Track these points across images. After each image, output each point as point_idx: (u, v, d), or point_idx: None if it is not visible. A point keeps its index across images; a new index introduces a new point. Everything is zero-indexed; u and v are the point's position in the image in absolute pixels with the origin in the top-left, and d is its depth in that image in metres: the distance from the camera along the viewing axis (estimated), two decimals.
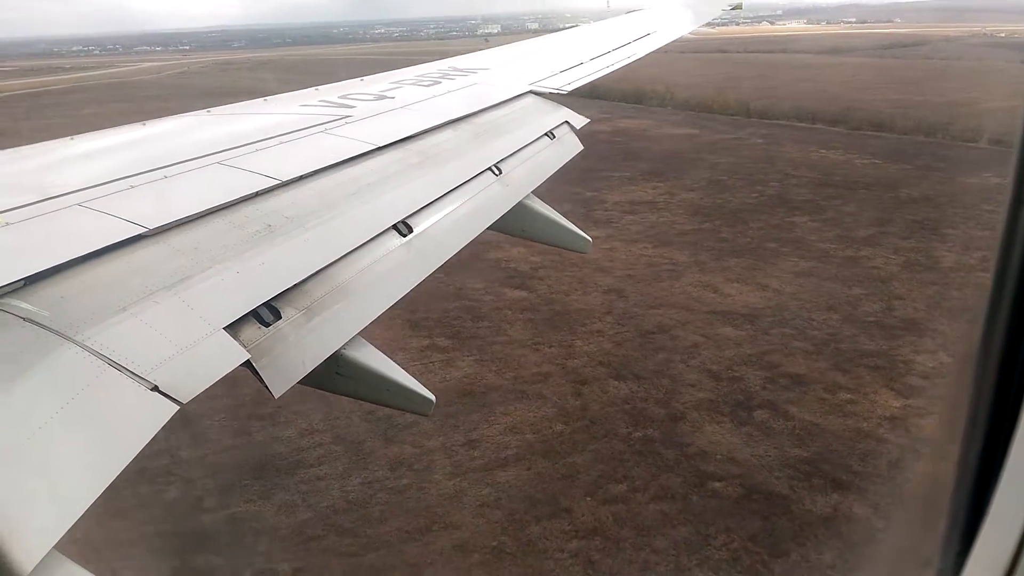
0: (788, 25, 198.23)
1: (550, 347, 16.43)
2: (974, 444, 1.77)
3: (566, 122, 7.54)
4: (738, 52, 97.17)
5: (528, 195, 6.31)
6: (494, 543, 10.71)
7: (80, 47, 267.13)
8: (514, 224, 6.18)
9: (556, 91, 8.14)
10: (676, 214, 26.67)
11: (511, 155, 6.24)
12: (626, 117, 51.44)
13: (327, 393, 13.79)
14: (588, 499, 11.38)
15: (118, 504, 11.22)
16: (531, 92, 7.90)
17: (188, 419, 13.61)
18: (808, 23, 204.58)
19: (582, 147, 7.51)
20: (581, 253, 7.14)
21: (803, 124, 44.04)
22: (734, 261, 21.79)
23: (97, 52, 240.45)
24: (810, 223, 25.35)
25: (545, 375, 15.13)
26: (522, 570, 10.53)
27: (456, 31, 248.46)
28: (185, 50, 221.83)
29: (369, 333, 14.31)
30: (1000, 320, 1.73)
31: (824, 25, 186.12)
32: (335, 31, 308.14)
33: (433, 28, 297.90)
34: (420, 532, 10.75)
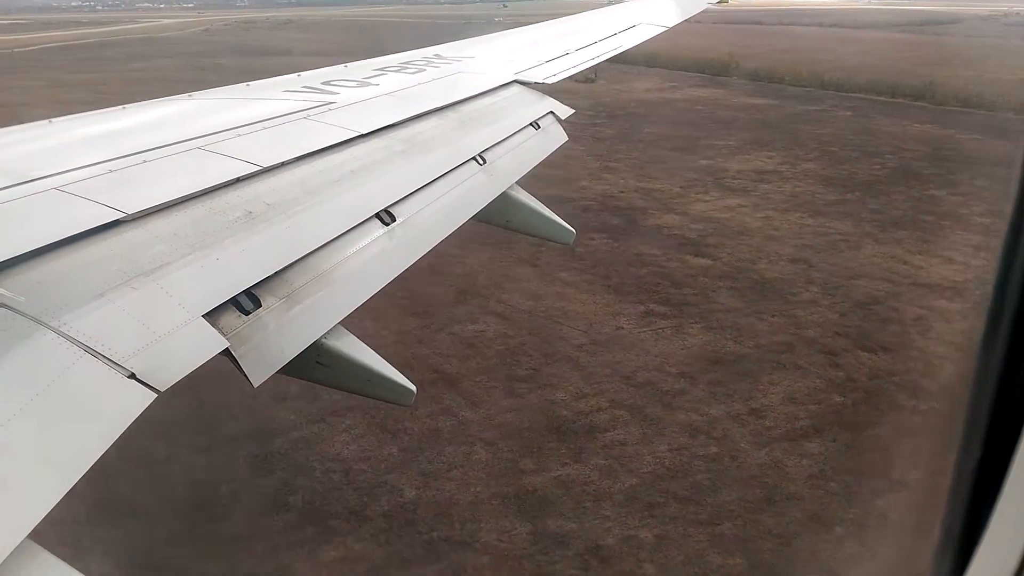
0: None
1: (772, 316, 15.37)
2: (972, 455, 1.62)
3: (551, 112, 7.03)
4: (774, 24, 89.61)
5: (512, 185, 5.83)
6: (848, 515, 9.65)
7: (79, 2, 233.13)
8: (498, 214, 5.76)
9: (542, 81, 7.61)
10: (809, 184, 24.83)
11: (496, 145, 5.85)
12: (695, 86, 46.89)
13: (582, 358, 12.07)
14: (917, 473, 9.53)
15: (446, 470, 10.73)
16: (516, 82, 7.40)
17: (451, 379, 13.19)
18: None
19: (567, 138, 6.90)
20: (564, 244, 6.58)
21: (883, 98, 40.63)
22: (902, 233, 20.31)
23: (100, 8, 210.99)
24: (951, 197, 23.65)
25: (788, 345, 14.17)
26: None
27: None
28: (189, 8, 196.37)
29: (574, 298, 14.76)
30: (1003, 328, 1.61)
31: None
32: None
33: None
34: (763, 503, 9.88)
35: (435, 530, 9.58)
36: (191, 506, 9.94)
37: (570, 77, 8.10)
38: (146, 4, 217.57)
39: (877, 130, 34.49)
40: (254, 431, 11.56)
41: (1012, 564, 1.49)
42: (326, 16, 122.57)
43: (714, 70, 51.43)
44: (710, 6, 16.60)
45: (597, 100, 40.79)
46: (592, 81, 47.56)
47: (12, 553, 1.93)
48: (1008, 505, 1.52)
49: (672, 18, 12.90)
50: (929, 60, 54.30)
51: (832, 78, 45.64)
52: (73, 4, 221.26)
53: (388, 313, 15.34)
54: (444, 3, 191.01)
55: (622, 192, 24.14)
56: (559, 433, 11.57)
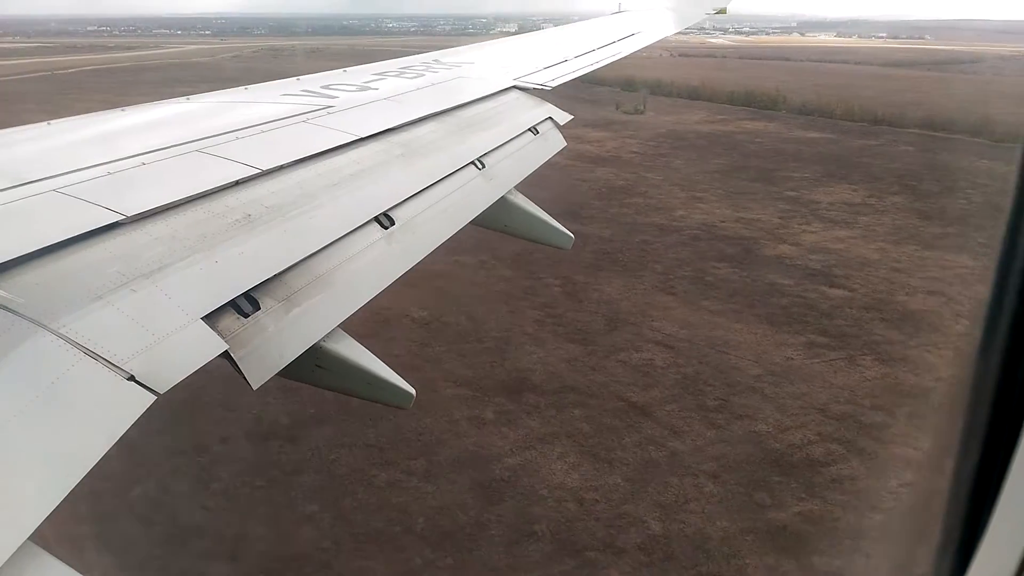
0: (819, 37, 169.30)
1: (939, 349, 14.25)
2: (971, 457, 1.59)
3: (550, 118, 6.75)
4: (801, 60, 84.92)
5: (511, 190, 5.52)
6: None
7: (95, 27, 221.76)
8: (497, 219, 5.46)
9: (541, 86, 7.33)
10: (906, 217, 23.18)
11: (494, 149, 5.60)
12: (745, 119, 43.86)
13: (766, 389, 11.79)
14: None
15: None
16: (515, 87, 7.14)
17: (641, 409, 12.84)
18: (839, 35, 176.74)
19: (565, 143, 6.60)
20: (562, 249, 6.28)
21: (939, 134, 38.70)
22: None
23: (118, 33, 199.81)
24: None
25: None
26: None
27: (471, 28, 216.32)
28: (206, 34, 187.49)
29: (729, 327, 15.90)
30: (1000, 329, 1.58)
31: (857, 39, 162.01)
32: (346, 23, 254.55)
33: (446, 24, 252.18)
34: None
35: (699, 565, 9.14)
36: (440, 535, 9.56)
37: (617, 108, 7.85)
38: (163, 30, 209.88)
39: (945, 165, 32.13)
40: (468, 457, 10.96)
41: (1012, 566, 1.45)
42: (350, 45, 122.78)
43: (761, 104, 47.71)
44: (708, 15, 16.11)
45: (654, 131, 40.09)
46: (641, 113, 47.23)
47: (13, 555, 1.84)
48: (1008, 507, 1.47)
49: (671, 27, 12.39)
50: (971, 97, 51.46)
51: (885, 113, 43.32)
52: (89, 28, 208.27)
53: (544, 338, 15.09)
54: (446, 35, 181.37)
55: (723, 222, 23.55)
56: (780, 467, 10.68)
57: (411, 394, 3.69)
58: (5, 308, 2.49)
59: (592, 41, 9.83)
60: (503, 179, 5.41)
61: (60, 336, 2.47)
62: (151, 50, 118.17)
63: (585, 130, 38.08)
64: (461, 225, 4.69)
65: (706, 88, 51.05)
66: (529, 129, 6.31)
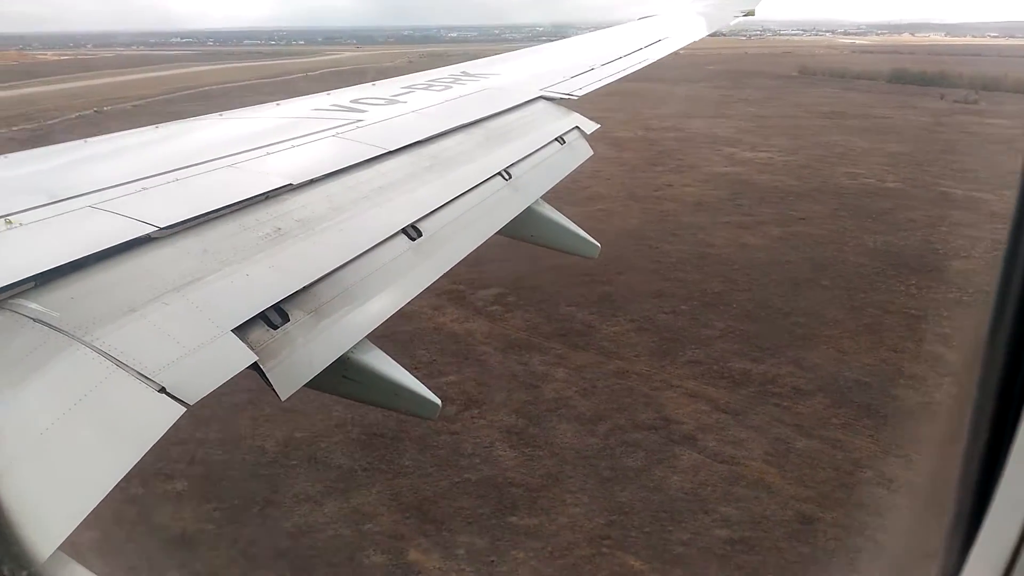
0: (931, 36, 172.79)
1: None
2: (979, 439, 1.66)
3: (576, 127, 6.77)
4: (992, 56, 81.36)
5: (537, 200, 5.53)
6: None
7: (178, 39, 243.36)
8: (524, 229, 5.50)
9: (567, 96, 7.33)
10: None
11: (521, 160, 5.64)
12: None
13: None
14: None
15: None
16: (542, 97, 7.16)
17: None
18: (948, 35, 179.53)
19: (592, 152, 6.57)
20: (589, 258, 6.38)
21: None
22: None
23: (266, 44, 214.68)
24: None
25: None
26: None
27: (481, 38, 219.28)
28: (349, 44, 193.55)
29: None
30: (1006, 316, 1.64)
31: (971, 38, 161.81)
32: (406, 33, 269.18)
33: (455, 34, 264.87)
34: None
35: None
36: None
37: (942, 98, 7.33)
38: (300, 41, 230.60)
39: None
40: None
41: (1011, 543, 1.56)
42: (477, 50, 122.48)
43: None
44: (737, 19, 15.87)
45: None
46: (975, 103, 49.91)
47: (46, 562, 1.91)
48: (1008, 488, 1.58)
49: (699, 32, 12.34)
50: None
51: None
52: (246, 41, 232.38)
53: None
54: (519, 38, 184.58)
55: None
56: None
57: (437, 405, 3.72)
58: (40, 321, 2.54)
59: (619, 48, 9.92)
60: (530, 189, 5.46)
61: (94, 349, 2.52)
62: (311, 57, 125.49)
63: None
64: (488, 235, 4.74)
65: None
66: (556, 139, 6.38)
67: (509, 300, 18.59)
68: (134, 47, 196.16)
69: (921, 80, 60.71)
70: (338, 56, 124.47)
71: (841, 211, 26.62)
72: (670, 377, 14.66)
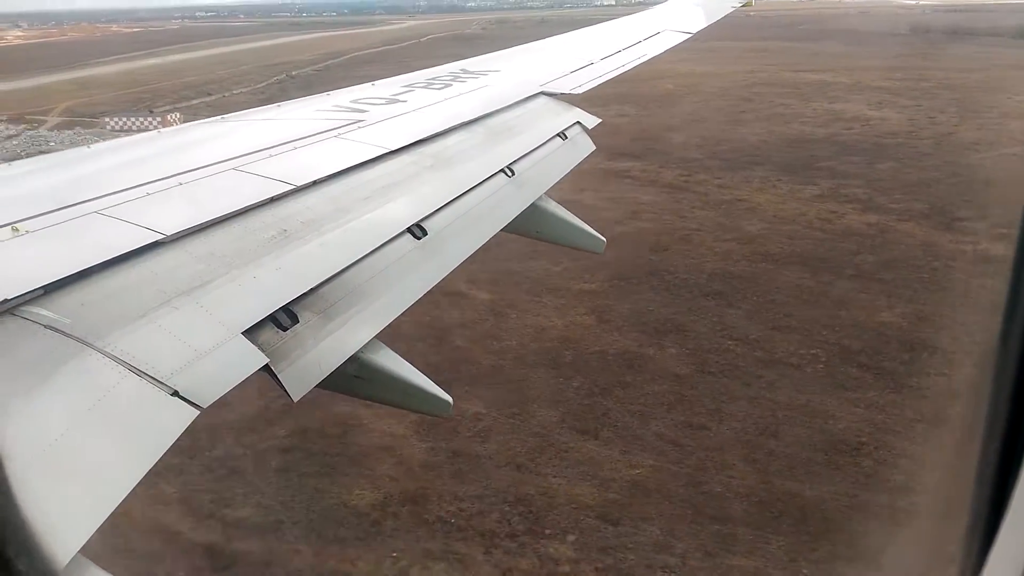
0: None
1: None
2: (995, 443, 1.66)
3: (578, 122, 6.68)
4: None
5: (541, 196, 5.48)
6: None
7: (202, 12, 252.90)
8: (528, 225, 5.44)
9: (568, 92, 7.23)
10: None
11: (523, 156, 5.59)
12: None
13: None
14: None
15: None
16: (542, 93, 7.07)
17: None
18: None
19: (594, 147, 6.52)
20: (595, 253, 6.30)
21: None
22: None
23: (327, 15, 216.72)
24: None
25: None
26: None
27: (568, 3, 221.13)
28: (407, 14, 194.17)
29: None
30: (1019, 320, 1.63)
31: None
32: (393, 4, 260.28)
33: (473, 3, 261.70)
34: None
35: None
36: None
37: None
38: (332, 13, 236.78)
39: None
40: None
41: None
42: (585, 14, 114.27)
43: None
44: (734, 9, 15.51)
45: None
46: None
47: (66, 567, 1.91)
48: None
49: (697, 23, 12.12)
50: None
51: None
52: (175, 16, 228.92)
53: None
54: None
55: None
56: None
57: (449, 403, 3.71)
58: (52, 328, 2.55)
59: (618, 43, 9.86)
60: (533, 185, 5.46)
61: (105, 354, 2.54)
62: (373, 27, 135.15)
63: None
64: (493, 232, 4.72)
65: None
66: (558, 134, 6.34)
67: None
68: (176, 20, 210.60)
69: None
70: (403, 25, 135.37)
71: None
72: None
